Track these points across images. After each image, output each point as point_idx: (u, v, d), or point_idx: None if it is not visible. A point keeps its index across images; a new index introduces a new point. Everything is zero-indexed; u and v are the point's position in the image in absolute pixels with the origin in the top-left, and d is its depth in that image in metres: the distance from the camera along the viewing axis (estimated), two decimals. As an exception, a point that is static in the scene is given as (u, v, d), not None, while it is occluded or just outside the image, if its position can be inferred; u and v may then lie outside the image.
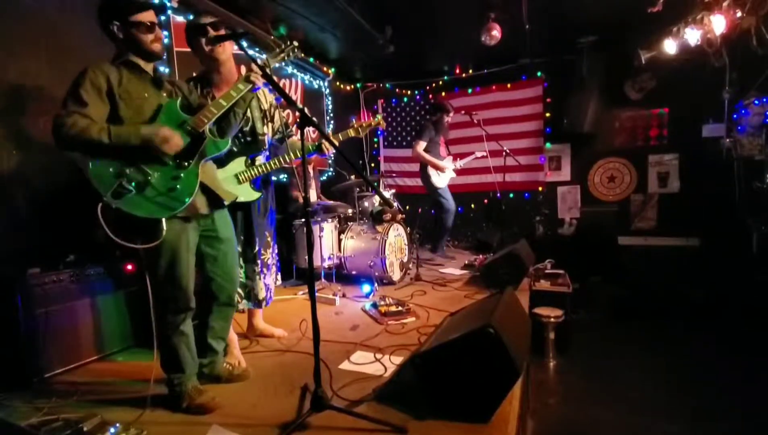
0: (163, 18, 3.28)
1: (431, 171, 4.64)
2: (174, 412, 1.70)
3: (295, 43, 1.93)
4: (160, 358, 1.76)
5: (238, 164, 2.17)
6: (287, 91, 4.81)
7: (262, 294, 2.37)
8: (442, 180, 4.70)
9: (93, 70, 1.58)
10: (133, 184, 1.54)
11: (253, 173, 2.19)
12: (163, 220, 1.59)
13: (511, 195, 5.85)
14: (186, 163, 1.65)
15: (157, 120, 1.65)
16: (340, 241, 3.95)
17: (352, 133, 2.45)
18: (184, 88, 1.89)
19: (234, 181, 2.15)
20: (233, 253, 1.95)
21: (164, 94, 1.75)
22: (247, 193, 2.19)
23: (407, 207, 5.71)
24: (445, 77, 6.19)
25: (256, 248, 2.32)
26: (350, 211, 4.31)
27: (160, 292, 1.68)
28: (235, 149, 2.18)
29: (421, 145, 4.59)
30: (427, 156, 4.59)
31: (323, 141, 2.24)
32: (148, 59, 1.72)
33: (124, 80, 1.64)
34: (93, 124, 1.50)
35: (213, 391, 1.81)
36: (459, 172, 5.00)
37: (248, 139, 2.28)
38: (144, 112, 1.64)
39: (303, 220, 3.77)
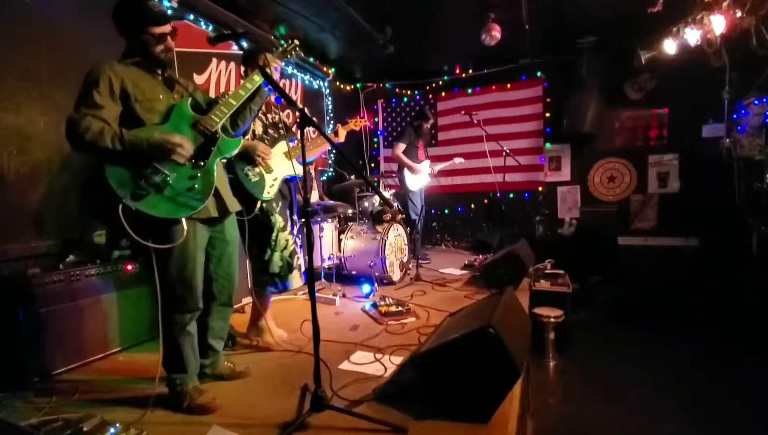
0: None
1: (407, 173, 4.71)
2: (174, 412, 1.70)
3: (296, 42, 1.98)
4: (162, 358, 1.76)
5: (283, 146, 2.49)
6: (287, 91, 4.81)
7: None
8: (415, 183, 4.75)
9: (106, 69, 1.58)
10: (152, 184, 1.55)
11: (297, 151, 2.39)
12: (183, 219, 1.60)
13: (511, 195, 5.84)
14: (202, 163, 1.67)
15: (169, 121, 1.66)
16: (340, 241, 3.95)
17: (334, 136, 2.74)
18: (190, 86, 1.90)
19: (284, 158, 2.45)
20: (236, 254, 1.97)
21: (176, 96, 1.76)
22: (298, 168, 2.43)
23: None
24: (445, 77, 6.19)
25: (297, 224, 2.57)
26: (350, 211, 4.31)
27: (169, 292, 1.69)
28: (276, 135, 2.51)
29: (401, 148, 4.70)
30: (405, 158, 4.68)
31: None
32: (155, 65, 1.74)
33: (138, 80, 1.65)
34: (107, 128, 1.50)
35: (213, 391, 1.81)
36: (459, 172, 5.01)
37: (284, 130, 2.60)
38: (157, 113, 1.66)
39: (303, 220, 3.76)
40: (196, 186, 1.63)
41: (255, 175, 2.31)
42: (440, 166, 4.97)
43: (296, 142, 2.56)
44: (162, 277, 1.66)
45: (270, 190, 2.36)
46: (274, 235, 2.39)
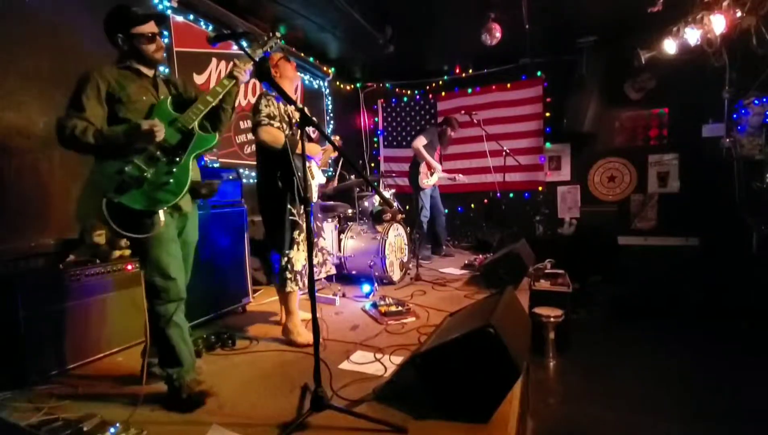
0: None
1: (422, 170, 4.68)
2: (173, 409, 1.71)
3: (278, 34, 2.03)
4: (158, 355, 1.81)
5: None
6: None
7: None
8: (429, 182, 4.73)
9: (94, 75, 1.69)
10: (131, 179, 1.64)
11: (324, 160, 2.67)
12: (160, 212, 1.69)
13: (511, 195, 5.85)
14: (177, 159, 1.74)
15: (149, 118, 1.73)
16: (340, 241, 3.95)
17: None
18: (179, 83, 1.99)
19: (315, 167, 2.58)
20: (191, 257, 2.01)
21: (161, 97, 1.83)
22: (321, 178, 2.69)
23: (407, 207, 5.71)
24: (445, 77, 6.19)
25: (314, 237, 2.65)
26: (350, 211, 4.31)
27: (150, 285, 1.75)
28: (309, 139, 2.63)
29: (422, 141, 4.65)
30: (425, 152, 4.64)
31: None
32: (150, 66, 1.85)
33: (125, 83, 1.74)
34: (89, 128, 1.61)
35: (213, 390, 1.82)
36: (459, 172, 5.01)
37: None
38: (140, 113, 1.75)
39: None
40: (171, 180, 1.71)
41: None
42: (442, 175, 4.91)
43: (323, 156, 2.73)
44: (142, 270, 1.75)
45: (314, 197, 2.62)
46: (303, 235, 2.46)
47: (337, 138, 3.00)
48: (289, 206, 2.43)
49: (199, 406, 1.73)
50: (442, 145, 4.89)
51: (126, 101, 1.72)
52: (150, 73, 1.84)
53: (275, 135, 2.36)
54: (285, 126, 2.44)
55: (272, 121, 2.37)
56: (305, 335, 2.40)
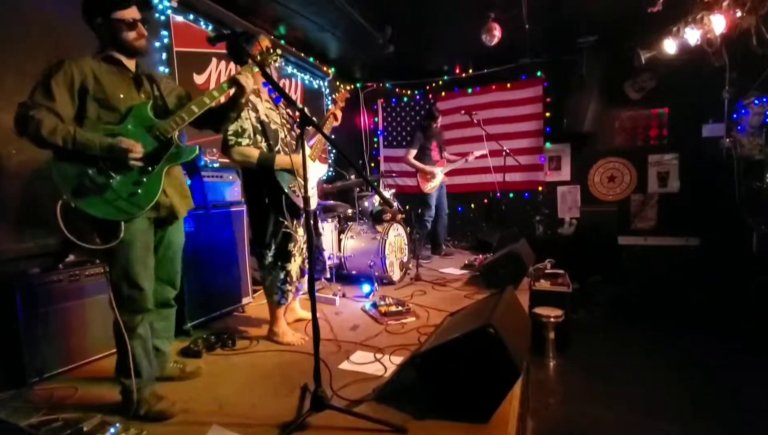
0: (162, 18, 3.28)
1: (419, 177, 4.79)
2: (128, 420, 1.63)
3: (279, 52, 2.01)
4: (116, 361, 1.71)
5: (307, 148, 2.50)
6: (287, 90, 4.81)
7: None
8: (431, 186, 4.79)
9: (69, 64, 1.55)
10: (94, 185, 1.51)
11: (316, 152, 2.61)
12: (122, 223, 1.56)
13: (511, 195, 5.84)
14: (150, 169, 1.61)
15: (125, 122, 1.61)
16: (340, 241, 3.95)
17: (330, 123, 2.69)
18: (163, 83, 1.84)
19: (309, 161, 2.48)
20: (178, 258, 1.93)
21: (142, 96, 1.71)
22: (321, 169, 2.66)
23: (407, 207, 5.70)
24: (445, 77, 6.19)
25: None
26: (350, 211, 4.31)
27: (116, 291, 1.64)
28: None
29: (411, 154, 4.75)
30: (417, 163, 4.73)
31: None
32: (131, 55, 1.70)
33: (102, 78, 1.60)
34: (60, 126, 1.46)
35: (211, 390, 1.82)
36: (459, 171, 5.02)
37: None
38: (116, 112, 1.61)
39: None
40: (139, 191, 1.58)
41: (299, 188, 2.36)
42: (453, 166, 4.97)
43: (315, 141, 2.67)
44: (110, 276, 1.64)
45: (313, 201, 2.52)
46: (299, 245, 2.49)
47: (344, 90, 2.91)
48: (280, 219, 2.38)
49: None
50: (435, 138, 4.90)
51: (101, 97, 1.58)
52: (131, 65, 1.70)
53: (246, 154, 2.26)
54: (260, 138, 2.34)
55: (240, 139, 2.25)
56: (291, 336, 2.46)
